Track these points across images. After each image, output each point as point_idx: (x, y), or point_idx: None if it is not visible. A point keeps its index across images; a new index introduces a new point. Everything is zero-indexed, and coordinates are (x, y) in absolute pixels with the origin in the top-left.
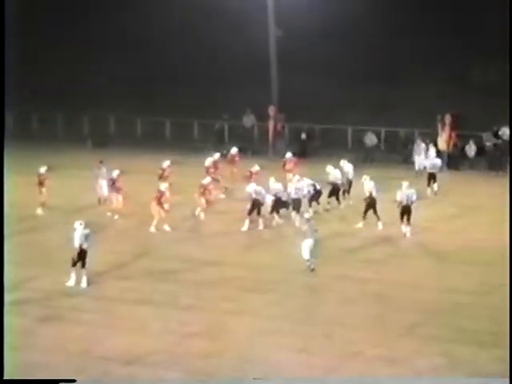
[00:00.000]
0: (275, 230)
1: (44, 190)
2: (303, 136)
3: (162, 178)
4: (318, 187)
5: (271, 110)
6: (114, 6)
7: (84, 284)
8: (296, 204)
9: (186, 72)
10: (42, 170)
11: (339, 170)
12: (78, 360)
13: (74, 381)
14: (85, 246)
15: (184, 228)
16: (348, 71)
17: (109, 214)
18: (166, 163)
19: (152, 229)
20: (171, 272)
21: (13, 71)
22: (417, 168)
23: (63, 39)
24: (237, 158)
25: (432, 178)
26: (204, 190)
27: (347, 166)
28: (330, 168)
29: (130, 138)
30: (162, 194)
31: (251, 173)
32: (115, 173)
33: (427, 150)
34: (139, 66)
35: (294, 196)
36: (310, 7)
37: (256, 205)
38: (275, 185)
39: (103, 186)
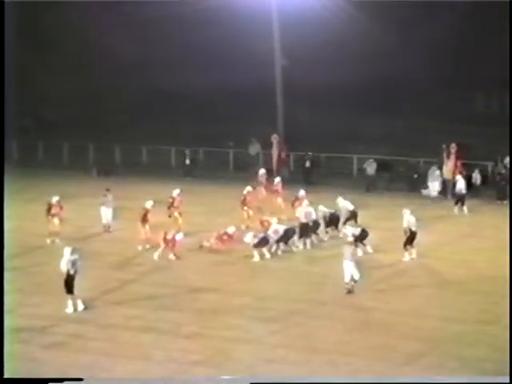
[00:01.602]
0: (279, 258)
1: (55, 220)
2: (307, 164)
3: (171, 206)
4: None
5: (274, 138)
6: (115, 34)
7: (80, 307)
8: (303, 229)
9: (190, 100)
10: (54, 199)
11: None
12: None
13: (80, 379)
14: (72, 272)
15: (189, 256)
16: (353, 101)
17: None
18: (176, 192)
19: (155, 256)
20: (175, 300)
21: (15, 99)
22: (431, 194)
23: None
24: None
25: (460, 200)
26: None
27: (342, 202)
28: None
29: (135, 166)
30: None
31: (245, 196)
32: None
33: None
34: (143, 95)
35: (303, 220)
36: (315, 37)
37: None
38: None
39: (108, 214)
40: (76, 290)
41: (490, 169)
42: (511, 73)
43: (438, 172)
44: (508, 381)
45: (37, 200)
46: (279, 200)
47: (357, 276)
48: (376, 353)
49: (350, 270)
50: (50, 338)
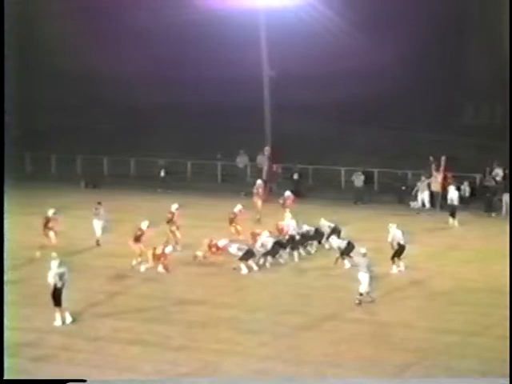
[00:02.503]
0: (267, 271)
1: (51, 233)
2: (295, 176)
3: (170, 221)
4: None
5: (266, 151)
6: (103, 46)
7: (68, 320)
8: (291, 241)
9: (178, 113)
10: (51, 212)
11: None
12: None
13: (84, 381)
14: (59, 285)
15: (178, 268)
16: (341, 113)
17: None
18: (175, 207)
19: (142, 268)
20: (163, 312)
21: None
22: (419, 205)
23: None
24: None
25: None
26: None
27: (324, 221)
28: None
29: (123, 178)
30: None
31: (235, 214)
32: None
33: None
34: (131, 106)
35: (291, 233)
36: (302, 49)
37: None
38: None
39: (100, 227)
40: (65, 303)
41: (478, 181)
42: (511, 84)
43: (426, 181)
44: (508, 381)
45: (26, 213)
46: (287, 214)
47: (369, 288)
48: (364, 364)
49: (366, 281)
50: (39, 350)
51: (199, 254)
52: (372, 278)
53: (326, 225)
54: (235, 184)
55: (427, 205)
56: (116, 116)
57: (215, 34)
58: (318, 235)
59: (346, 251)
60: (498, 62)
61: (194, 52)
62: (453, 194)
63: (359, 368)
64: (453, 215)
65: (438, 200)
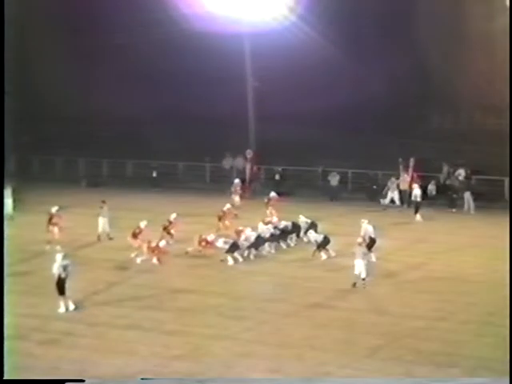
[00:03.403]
0: (251, 262)
1: (55, 228)
2: (277, 177)
3: (166, 229)
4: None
5: (248, 154)
6: (102, 54)
7: (71, 307)
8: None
9: (170, 121)
10: (54, 210)
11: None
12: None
13: (82, 381)
14: (63, 276)
15: (170, 260)
16: (318, 120)
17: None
18: (173, 216)
19: (138, 260)
20: (157, 300)
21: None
22: (387, 202)
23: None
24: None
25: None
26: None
27: (303, 218)
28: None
29: (121, 178)
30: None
31: (224, 212)
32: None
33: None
34: (128, 116)
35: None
36: (284, 62)
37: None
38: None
39: (105, 224)
40: (68, 292)
41: (441, 180)
42: (511, 85)
43: (396, 182)
44: (508, 381)
45: (33, 210)
46: (269, 211)
47: (364, 275)
48: (339, 347)
49: (359, 267)
50: (44, 335)
51: (190, 249)
52: (367, 265)
53: (304, 220)
54: (222, 184)
55: (397, 202)
56: (114, 124)
57: (202, 47)
58: (295, 229)
59: (323, 244)
60: (510, 59)
61: (182, 63)
62: (416, 192)
63: (334, 350)
64: (416, 211)
65: (406, 198)
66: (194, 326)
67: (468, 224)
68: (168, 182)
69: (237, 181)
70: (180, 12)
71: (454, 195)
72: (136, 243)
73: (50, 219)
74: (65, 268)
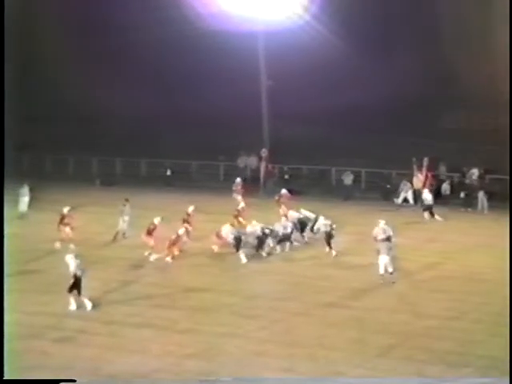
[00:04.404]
0: (264, 261)
1: (67, 228)
2: (286, 177)
3: (186, 221)
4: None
5: (263, 153)
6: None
7: (89, 306)
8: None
9: (185, 120)
10: (65, 210)
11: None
12: (88, 377)
13: (74, 381)
14: (79, 274)
15: (183, 259)
16: (333, 119)
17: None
18: (191, 208)
19: (151, 258)
20: (170, 298)
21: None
22: (400, 201)
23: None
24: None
25: (427, 209)
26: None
27: (304, 211)
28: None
29: (134, 177)
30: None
31: (239, 211)
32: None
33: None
34: (138, 112)
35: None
36: (297, 58)
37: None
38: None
39: (124, 223)
40: (83, 291)
41: (455, 180)
42: (511, 85)
43: (408, 184)
44: (508, 381)
45: (47, 209)
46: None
47: (391, 269)
48: (351, 346)
49: (384, 263)
50: (59, 333)
51: (215, 247)
52: (392, 260)
53: (306, 214)
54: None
55: (411, 201)
56: (128, 123)
57: (216, 45)
58: (302, 224)
59: (329, 237)
60: (510, 59)
61: (196, 62)
62: (426, 196)
63: (347, 349)
64: (431, 212)
65: (420, 197)
66: (206, 324)
67: (481, 224)
68: (182, 180)
69: (238, 180)
70: (194, 11)
71: (468, 195)
72: (150, 241)
73: (62, 219)
74: (79, 266)
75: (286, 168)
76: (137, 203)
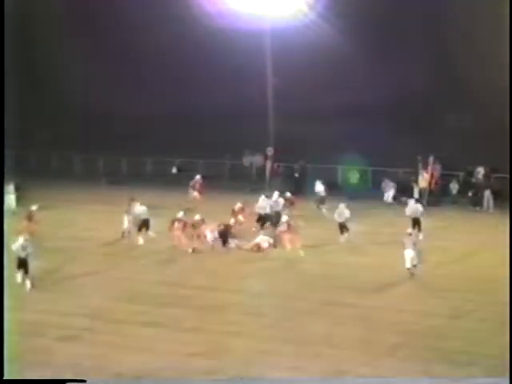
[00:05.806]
0: (270, 260)
1: (31, 223)
2: (296, 174)
3: (234, 214)
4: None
5: (269, 151)
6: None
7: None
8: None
9: (192, 119)
10: (34, 207)
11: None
12: (94, 375)
13: (84, 381)
14: (23, 256)
15: (189, 258)
16: (337, 118)
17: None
18: (238, 205)
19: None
20: (176, 297)
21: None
22: (390, 200)
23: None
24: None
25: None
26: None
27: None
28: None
29: (140, 176)
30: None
31: (234, 211)
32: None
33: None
34: (146, 111)
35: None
36: (304, 56)
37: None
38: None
39: (130, 221)
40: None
41: (461, 179)
42: (511, 85)
43: (391, 183)
44: (508, 381)
45: (53, 206)
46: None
47: (416, 261)
48: (358, 345)
49: (410, 257)
50: (63, 331)
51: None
52: (418, 253)
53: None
54: (241, 181)
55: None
56: (134, 122)
57: (222, 43)
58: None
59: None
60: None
61: (202, 60)
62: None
63: (353, 348)
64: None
65: (425, 196)
66: (213, 323)
67: (487, 222)
68: (187, 179)
69: (197, 177)
70: (202, 9)
71: (476, 193)
72: (176, 233)
73: (29, 217)
74: (24, 248)
75: (296, 166)
76: (142, 202)
